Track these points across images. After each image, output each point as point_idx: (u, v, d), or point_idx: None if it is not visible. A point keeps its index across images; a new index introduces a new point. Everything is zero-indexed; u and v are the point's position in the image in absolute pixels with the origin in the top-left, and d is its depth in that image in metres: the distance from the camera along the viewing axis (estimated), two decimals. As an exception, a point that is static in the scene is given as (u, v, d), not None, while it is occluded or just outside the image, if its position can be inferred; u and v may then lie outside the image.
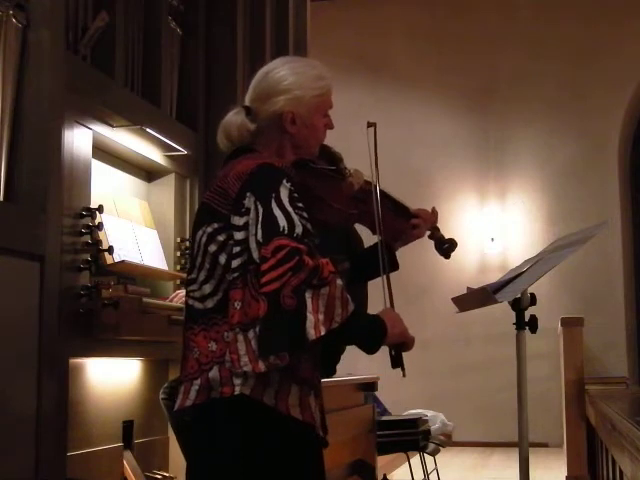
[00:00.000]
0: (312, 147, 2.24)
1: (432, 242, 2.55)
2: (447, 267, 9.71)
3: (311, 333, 1.86)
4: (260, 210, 1.96)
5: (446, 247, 2.47)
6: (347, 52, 10.32)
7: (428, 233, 2.48)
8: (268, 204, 1.96)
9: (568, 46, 10.03)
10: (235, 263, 1.99)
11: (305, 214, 1.99)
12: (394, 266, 2.45)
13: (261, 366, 1.93)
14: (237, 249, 1.99)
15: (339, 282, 1.92)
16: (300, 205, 2.00)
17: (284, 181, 2.01)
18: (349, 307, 1.92)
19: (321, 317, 1.87)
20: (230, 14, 4.36)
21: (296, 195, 2.00)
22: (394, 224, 2.39)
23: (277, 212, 1.95)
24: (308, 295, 1.87)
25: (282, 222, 1.93)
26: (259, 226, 1.95)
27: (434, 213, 2.47)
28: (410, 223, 2.42)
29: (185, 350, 2.10)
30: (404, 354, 2.11)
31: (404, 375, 2.13)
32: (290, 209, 1.96)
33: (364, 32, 10.54)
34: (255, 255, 1.94)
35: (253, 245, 1.96)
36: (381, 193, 2.32)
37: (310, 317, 1.86)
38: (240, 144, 2.19)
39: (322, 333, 1.87)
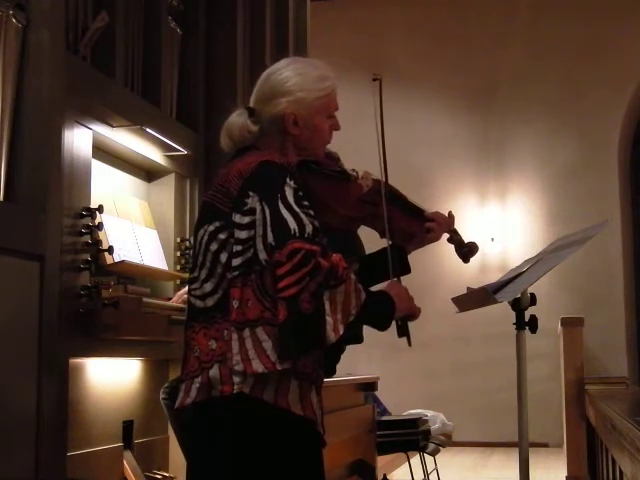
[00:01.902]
0: (316, 149, 2.23)
1: (434, 243, 2.52)
2: (447, 267, 9.72)
3: (332, 335, 1.92)
4: (267, 211, 1.96)
5: (465, 251, 2.44)
6: (347, 52, 10.31)
7: (447, 237, 2.44)
8: (275, 205, 1.96)
9: (568, 46, 10.03)
10: (235, 262, 1.99)
11: (311, 212, 2.00)
12: (406, 269, 2.42)
13: (255, 367, 1.94)
14: (238, 248, 1.99)
15: (352, 276, 1.97)
16: (306, 203, 2.00)
17: (287, 179, 2.01)
18: (362, 297, 1.98)
19: (339, 316, 1.93)
20: (230, 14, 4.36)
21: (300, 193, 2.01)
22: (407, 227, 2.35)
23: (285, 213, 1.95)
24: (325, 297, 1.91)
25: (292, 224, 1.94)
26: (269, 229, 1.95)
27: (451, 217, 2.43)
28: (425, 226, 2.39)
29: (186, 349, 2.10)
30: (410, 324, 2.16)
31: (410, 344, 2.16)
32: (297, 209, 1.96)
33: (364, 32, 10.54)
34: (262, 256, 1.94)
35: (260, 246, 1.95)
36: (394, 196, 2.30)
37: (329, 320, 1.91)
38: (242, 145, 2.18)
39: (341, 332, 1.93)
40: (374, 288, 2.40)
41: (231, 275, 2.00)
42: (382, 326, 2.09)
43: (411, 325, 2.15)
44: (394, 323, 2.13)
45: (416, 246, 2.43)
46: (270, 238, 1.94)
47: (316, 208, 2.17)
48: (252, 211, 1.99)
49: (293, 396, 2.00)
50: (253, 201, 1.99)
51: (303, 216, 1.96)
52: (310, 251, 1.90)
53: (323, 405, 2.15)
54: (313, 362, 2.07)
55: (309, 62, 2.27)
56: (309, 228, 1.94)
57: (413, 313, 2.14)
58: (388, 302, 2.08)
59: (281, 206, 1.96)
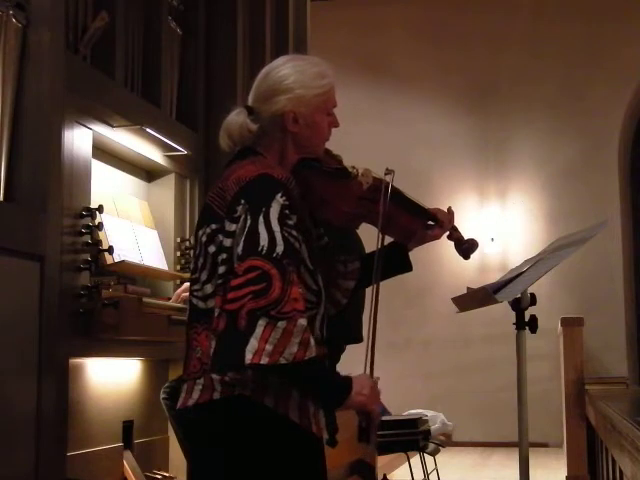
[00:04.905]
0: (316, 146, 2.23)
1: (435, 241, 2.51)
2: (447, 267, 9.72)
3: (248, 357, 1.84)
4: (248, 222, 1.96)
5: (465, 247, 2.43)
6: (347, 52, 10.31)
7: (446, 234, 2.44)
8: (256, 218, 1.95)
9: (568, 46, 10.03)
10: (221, 269, 2.00)
11: (294, 232, 1.97)
12: (407, 267, 2.41)
13: (226, 377, 1.95)
14: (224, 256, 2.00)
15: (301, 322, 1.87)
16: (290, 222, 1.97)
17: (278, 196, 1.99)
18: (308, 351, 1.87)
19: (269, 348, 1.84)
20: (230, 14, 4.36)
21: (287, 212, 1.98)
22: (408, 225, 2.34)
23: (261, 228, 1.94)
24: (262, 323, 1.85)
25: (263, 241, 1.92)
26: (242, 239, 1.95)
27: (451, 213, 2.40)
28: (426, 223, 2.37)
29: (188, 349, 2.10)
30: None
31: (370, 449, 2.10)
32: (277, 227, 1.94)
33: (364, 32, 10.54)
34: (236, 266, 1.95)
35: (235, 256, 1.96)
36: (395, 193, 2.30)
37: (253, 342, 1.84)
38: (242, 144, 2.18)
39: (262, 362, 1.83)
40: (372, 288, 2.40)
41: (216, 282, 2.01)
42: (327, 405, 2.00)
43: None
44: (358, 422, 2.08)
45: (417, 243, 2.41)
46: (239, 248, 1.94)
47: (318, 205, 2.17)
48: (239, 220, 1.99)
49: (292, 403, 2.00)
50: (242, 210, 1.99)
51: (279, 235, 1.94)
52: (267, 273, 1.88)
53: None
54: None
55: (307, 59, 2.26)
56: (280, 248, 1.92)
57: (369, 412, 2.03)
58: (343, 385, 1.98)
59: (261, 220, 1.95)
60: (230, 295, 1.89)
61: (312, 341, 1.89)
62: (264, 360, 1.84)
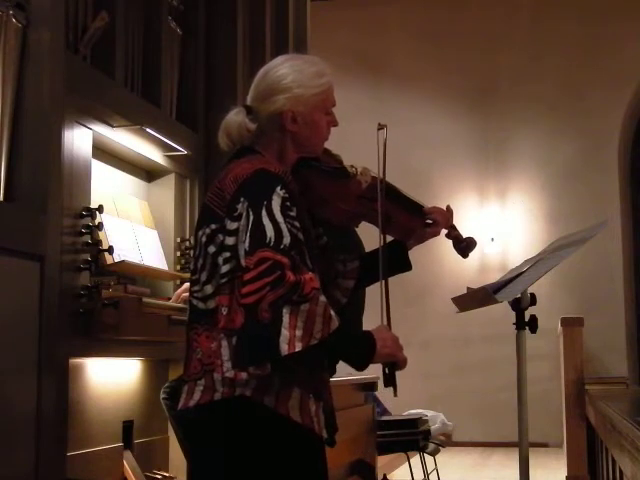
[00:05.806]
0: (315, 146, 2.23)
1: (432, 240, 2.52)
2: (447, 267, 9.72)
3: (284, 348, 1.85)
4: (251, 218, 1.96)
5: (463, 246, 2.43)
6: (347, 52, 10.32)
7: (445, 232, 2.44)
8: (258, 212, 1.96)
9: (568, 46, 10.03)
10: (224, 268, 2.00)
11: (297, 223, 1.98)
12: (407, 266, 2.42)
13: (242, 374, 1.95)
14: (227, 254, 2.00)
15: (322, 299, 1.90)
16: (292, 214, 1.98)
17: (278, 188, 2.00)
18: (332, 324, 1.90)
19: (298, 333, 1.85)
20: (230, 14, 4.36)
21: (288, 203, 1.99)
22: (407, 223, 2.35)
23: (266, 221, 1.94)
24: (286, 311, 1.86)
25: (270, 233, 1.93)
26: (248, 234, 1.95)
27: (449, 211, 2.42)
28: (425, 222, 2.38)
29: (188, 350, 2.10)
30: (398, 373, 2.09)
31: (395, 395, 2.12)
32: (280, 219, 1.95)
33: (364, 32, 10.54)
34: (243, 262, 1.95)
35: (241, 252, 1.96)
36: (394, 192, 2.30)
37: (285, 332, 1.85)
38: (240, 144, 2.18)
39: (297, 349, 1.85)
40: (373, 287, 2.41)
41: (219, 281, 2.01)
42: (358, 365, 2.00)
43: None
44: (382, 369, 2.10)
45: (416, 241, 2.42)
46: (246, 244, 1.94)
47: (318, 204, 2.18)
48: (240, 217, 1.99)
49: (293, 403, 2.00)
50: (242, 207, 1.99)
51: (284, 226, 1.94)
52: (278, 262, 1.88)
53: (332, 404, 2.16)
54: (314, 369, 2.07)
55: (306, 58, 2.26)
56: (287, 239, 1.93)
57: (397, 361, 2.06)
58: (368, 342, 2.00)
59: (264, 214, 1.95)
60: (245, 290, 1.88)
61: (332, 313, 1.92)
62: (298, 347, 1.85)
